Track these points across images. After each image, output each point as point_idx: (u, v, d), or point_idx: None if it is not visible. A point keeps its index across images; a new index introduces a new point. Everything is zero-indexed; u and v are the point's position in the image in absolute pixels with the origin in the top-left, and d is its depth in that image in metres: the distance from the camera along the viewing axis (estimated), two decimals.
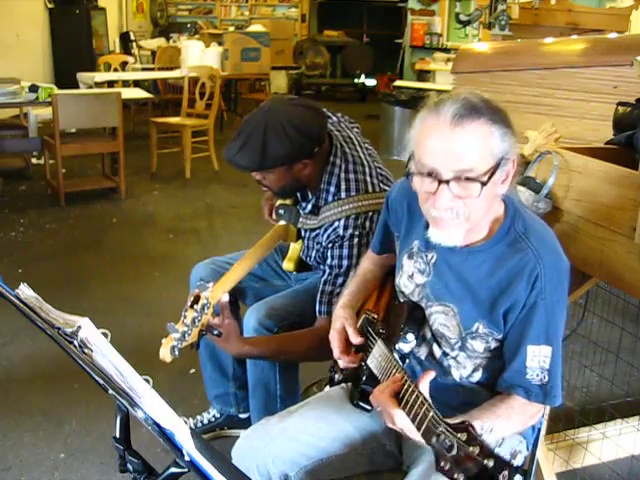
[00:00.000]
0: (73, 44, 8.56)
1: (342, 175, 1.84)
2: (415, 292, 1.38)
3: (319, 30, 11.70)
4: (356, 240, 1.80)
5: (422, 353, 1.39)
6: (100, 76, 6.43)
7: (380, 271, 1.61)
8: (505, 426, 1.23)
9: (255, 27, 8.70)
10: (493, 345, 1.31)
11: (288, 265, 2.07)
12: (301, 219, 1.94)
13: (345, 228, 1.80)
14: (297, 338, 1.84)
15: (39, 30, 8.41)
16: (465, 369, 1.36)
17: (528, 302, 1.24)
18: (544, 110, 2.72)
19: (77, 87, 6.31)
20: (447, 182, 1.15)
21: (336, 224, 1.81)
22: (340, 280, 1.81)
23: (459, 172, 1.15)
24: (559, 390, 1.27)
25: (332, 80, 11.37)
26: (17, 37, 7.87)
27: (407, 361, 1.35)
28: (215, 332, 1.59)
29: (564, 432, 2.11)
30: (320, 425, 1.41)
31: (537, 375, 1.24)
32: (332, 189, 1.84)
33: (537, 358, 1.24)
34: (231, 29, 9.55)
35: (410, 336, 1.33)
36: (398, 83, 7.78)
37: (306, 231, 1.96)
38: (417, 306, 1.38)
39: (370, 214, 1.81)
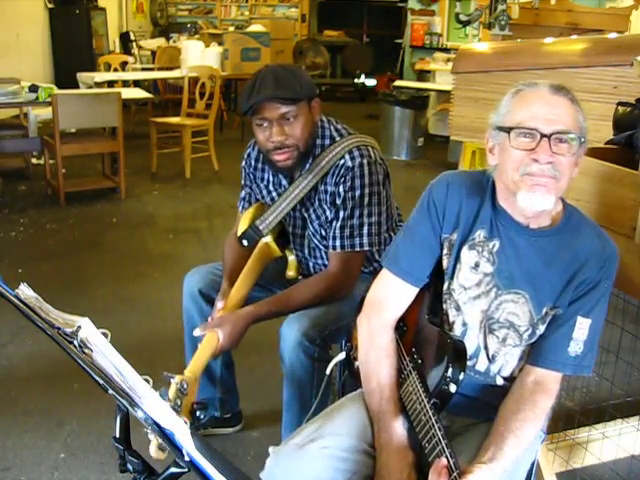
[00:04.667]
0: (73, 44, 8.57)
1: (333, 127, 1.90)
2: (482, 283, 1.37)
3: (319, 30, 11.70)
4: (366, 169, 1.80)
5: (470, 364, 1.38)
6: (100, 76, 6.43)
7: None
8: (537, 426, 1.31)
9: (255, 27, 8.70)
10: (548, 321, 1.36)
11: (290, 274, 2.07)
12: (291, 197, 1.90)
13: (352, 159, 1.81)
14: (306, 285, 1.85)
15: (39, 30, 8.41)
16: (513, 360, 1.38)
17: (595, 279, 1.32)
18: None
19: (77, 87, 6.31)
20: (549, 137, 1.23)
21: (341, 161, 1.82)
22: (357, 212, 1.80)
23: (558, 129, 1.24)
24: (590, 362, 1.35)
25: (332, 80, 11.36)
26: (17, 37, 7.87)
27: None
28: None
29: (564, 432, 2.11)
30: (352, 438, 1.37)
31: (575, 347, 1.33)
32: (327, 141, 1.87)
33: (581, 330, 1.32)
34: (231, 29, 9.55)
35: (453, 387, 1.28)
36: (398, 83, 7.78)
37: (296, 220, 1.96)
38: (460, 343, 1.34)
39: (370, 148, 1.85)
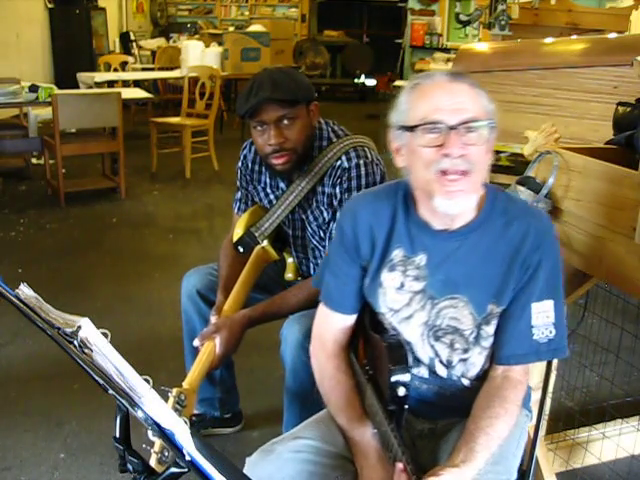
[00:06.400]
0: (73, 44, 8.57)
1: (330, 128, 1.90)
2: (413, 301, 1.32)
3: (319, 30, 11.70)
4: (363, 170, 1.80)
5: (424, 372, 1.37)
6: (100, 76, 6.44)
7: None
8: (509, 421, 1.26)
9: (255, 27, 8.71)
10: (496, 321, 1.31)
11: (289, 276, 2.07)
12: (287, 203, 1.90)
13: (349, 160, 1.81)
14: (300, 287, 1.85)
15: (39, 30, 8.41)
16: (475, 367, 1.34)
17: (532, 263, 1.26)
18: (544, 110, 2.72)
19: (77, 87, 6.32)
20: (456, 127, 1.17)
21: (338, 163, 1.81)
22: None
23: (465, 119, 1.18)
24: (565, 341, 1.30)
25: (332, 80, 11.37)
26: (17, 37, 7.87)
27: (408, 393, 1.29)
28: None
29: (564, 432, 2.11)
30: (329, 445, 1.36)
31: (543, 332, 1.27)
32: (324, 143, 1.86)
33: (542, 314, 1.27)
34: (231, 29, 9.57)
35: (402, 390, 1.25)
36: (398, 83, 7.77)
37: (295, 222, 1.95)
38: (396, 345, 1.32)
39: (367, 149, 1.85)
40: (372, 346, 1.40)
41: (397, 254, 1.32)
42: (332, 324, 1.44)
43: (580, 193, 1.62)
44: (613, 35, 3.63)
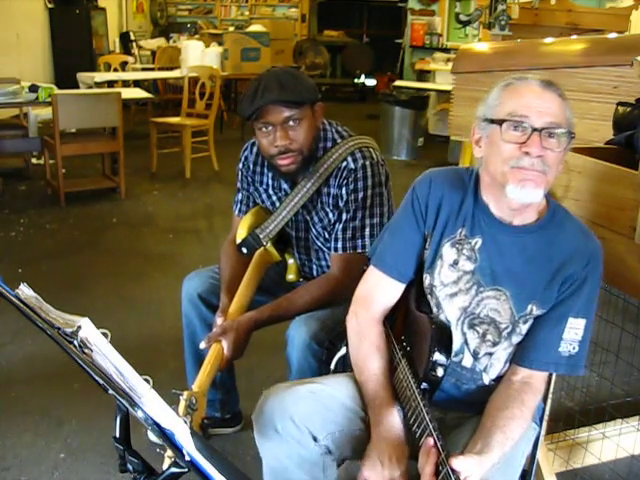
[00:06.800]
0: (73, 44, 8.57)
1: (334, 129, 1.90)
2: (461, 280, 1.37)
3: (319, 30, 11.70)
4: (369, 170, 1.80)
5: (456, 360, 1.40)
6: (100, 76, 6.44)
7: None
8: (524, 424, 1.30)
9: (255, 27, 8.70)
10: (532, 322, 1.36)
11: (291, 278, 2.07)
12: (292, 205, 1.90)
13: (355, 161, 1.81)
14: (307, 288, 1.84)
15: (39, 30, 8.41)
16: (498, 363, 1.38)
17: (580, 277, 1.32)
18: None
19: (77, 87, 6.31)
20: (540, 130, 1.23)
21: (344, 164, 1.81)
22: (360, 214, 1.79)
23: (549, 124, 1.24)
24: (584, 361, 1.35)
25: (332, 80, 11.37)
26: (17, 37, 7.87)
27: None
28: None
29: (564, 432, 2.11)
30: (343, 397, 1.41)
31: (567, 347, 1.33)
32: (329, 144, 1.87)
33: (573, 330, 1.32)
34: (231, 29, 9.56)
35: (440, 370, 1.32)
36: (398, 83, 7.78)
37: (299, 223, 1.95)
38: (443, 327, 1.37)
39: (372, 149, 1.85)
40: (413, 323, 1.43)
41: (460, 232, 1.38)
42: (380, 287, 1.47)
43: (580, 193, 1.62)
44: (613, 35, 3.63)
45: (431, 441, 1.19)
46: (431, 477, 1.15)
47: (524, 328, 1.36)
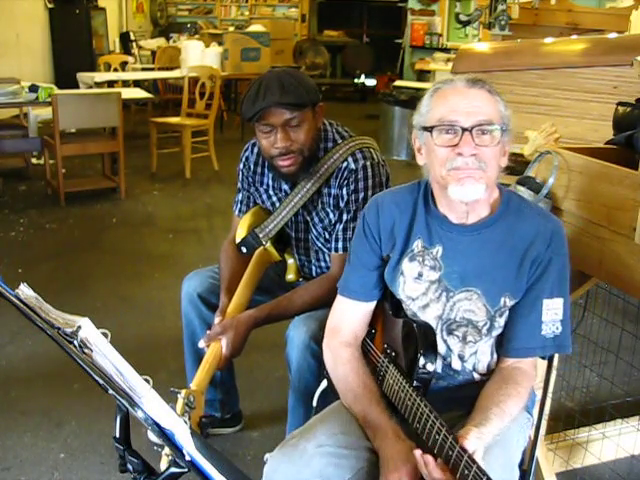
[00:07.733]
0: (73, 44, 8.56)
1: (334, 129, 1.91)
2: (430, 290, 1.38)
3: (319, 30, 11.70)
4: (370, 171, 1.81)
5: (438, 366, 1.40)
6: (100, 76, 6.44)
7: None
8: (519, 403, 1.32)
9: (255, 27, 8.71)
10: (507, 312, 1.37)
11: (290, 277, 2.07)
12: (292, 205, 1.90)
13: (355, 162, 1.81)
14: (307, 288, 1.84)
15: (39, 30, 8.41)
16: (484, 357, 1.40)
17: (545, 258, 1.33)
18: (544, 110, 2.72)
19: (77, 87, 6.31)
20: (470, 130, 1.26)
21: (344, 164, 1.82)
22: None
23: (479, 122, 1.26)
24: (570, 339, 1.38)
25: (332, 80, 11.36)
26: (17, 37, 7.87)
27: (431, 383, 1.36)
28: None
29: (564, 432, 2.11)
30: (350, 436, 1.37)
31: (550, 328, 1.34)
32: (329, 144, 1.87)
33: (551, 311, 1.34)
34: (231, 29, 9.57)
35: (430, 366, 1.34)
36: (398, 83, 7.77)
37: (299, 224, 1.95)
38: (427, 327, 1.38)
39: (373, 150, 1.86)
40: (393, 331, 1.45)
41: (417, 244, 1.40)
42: (349, 313, 1.49)
43: (580, 193, 1.62)
44: (613, 35, 3.63)
45: (418, 452, 1.19)
46: (444, 473, 1.15)
47: (502, 321, 1.37)
